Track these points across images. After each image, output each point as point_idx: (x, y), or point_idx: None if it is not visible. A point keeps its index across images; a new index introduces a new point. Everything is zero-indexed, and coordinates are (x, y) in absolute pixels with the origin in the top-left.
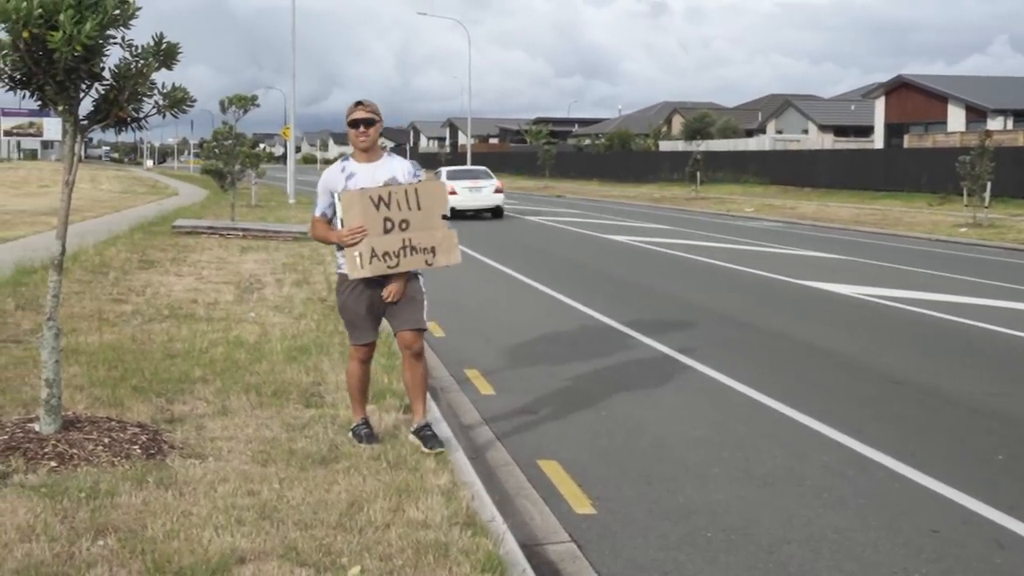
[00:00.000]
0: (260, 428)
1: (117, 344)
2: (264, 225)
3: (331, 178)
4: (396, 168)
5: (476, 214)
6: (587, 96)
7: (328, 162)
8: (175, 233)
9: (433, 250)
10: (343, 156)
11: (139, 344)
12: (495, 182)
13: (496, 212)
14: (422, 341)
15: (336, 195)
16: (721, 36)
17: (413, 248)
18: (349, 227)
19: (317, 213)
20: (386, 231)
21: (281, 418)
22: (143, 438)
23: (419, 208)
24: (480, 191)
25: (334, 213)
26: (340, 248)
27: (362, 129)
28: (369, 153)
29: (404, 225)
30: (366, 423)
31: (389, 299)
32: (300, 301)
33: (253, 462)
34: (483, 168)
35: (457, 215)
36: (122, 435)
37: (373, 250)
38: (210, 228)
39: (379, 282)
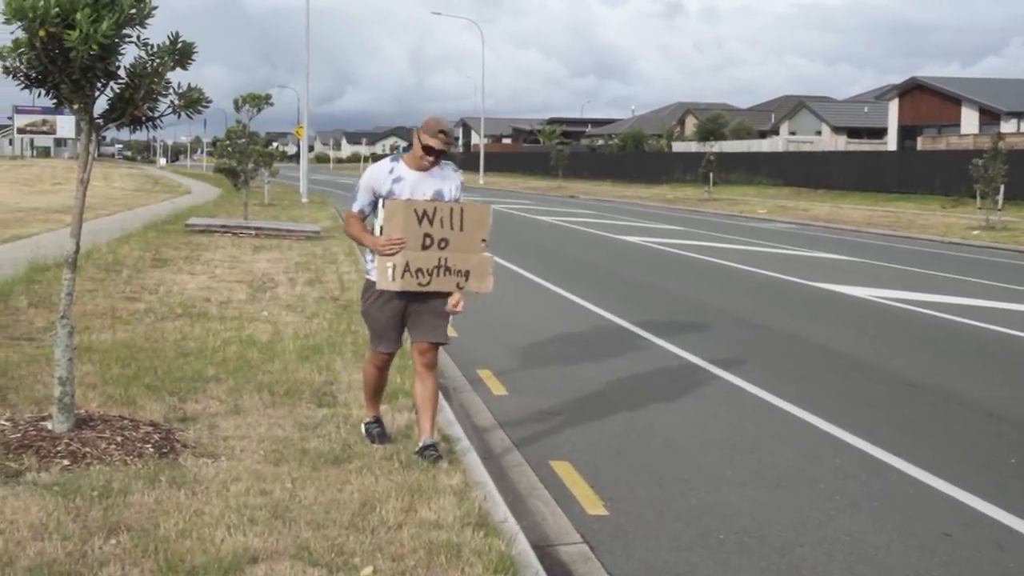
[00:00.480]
0: (273, 427)
1: (130, 342)
2: (277, 224)
3: (376, 177)
4: (446, 181)
5: None
6: (600, 96)
7: (341, 162)
8: (188, 231)
9: (467, 274)
10: (393, 155)
11: (152, 342)
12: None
13: None
14: (437, 354)
15: (381, 200)
16: (735, 37)
17: (448, 269)
18: (388, 237)
19: (355, 208)
20: (424, 247)
21: (294, 417)
22: (156, 437)
23: (462, 229)
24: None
25: (372, 211)
26: (372, 253)
27: (432, 159)
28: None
29: (443, 244)
30: (378, 422)
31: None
32: (313, 300)
33: (265, 461)
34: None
35: None
36: (135, 434)
37: (408, 264)
38: (223, 227)
39: (409, 293)
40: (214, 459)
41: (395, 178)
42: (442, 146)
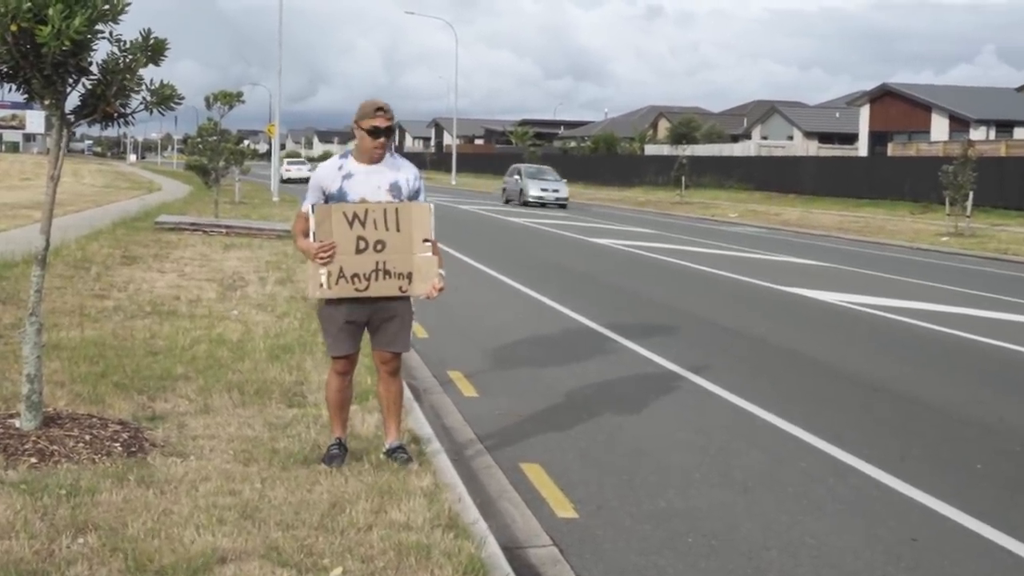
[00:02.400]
0: (242, 427)
1: (99, 340)
2: (248, 222)
3: (326, 175)
4: (401, 172)
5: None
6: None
7: (313, 160)
8: (158, 229)
9: (409, 276)
10: (343, 152)
11: (121, 340)
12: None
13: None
14: (400, 361)
15: (311, 206)
16: (709, 41)
17: (387, 272)
18: (320, 242)
19: (303, 207)
20: (359, 251)
21: (263, 417)
22: (124, 435)
23: (398, 230)
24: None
25: None
26: None
27: (382, 140)
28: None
29: (379, 246)
30: (340, 444)
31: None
32: (283, 299)
33: (235, 461)
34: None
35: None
36: (103, 432)
37: (342, 270)
38: (193, 225)
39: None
40: (183, 458)
41: (345, 174)
42: (387, 123)
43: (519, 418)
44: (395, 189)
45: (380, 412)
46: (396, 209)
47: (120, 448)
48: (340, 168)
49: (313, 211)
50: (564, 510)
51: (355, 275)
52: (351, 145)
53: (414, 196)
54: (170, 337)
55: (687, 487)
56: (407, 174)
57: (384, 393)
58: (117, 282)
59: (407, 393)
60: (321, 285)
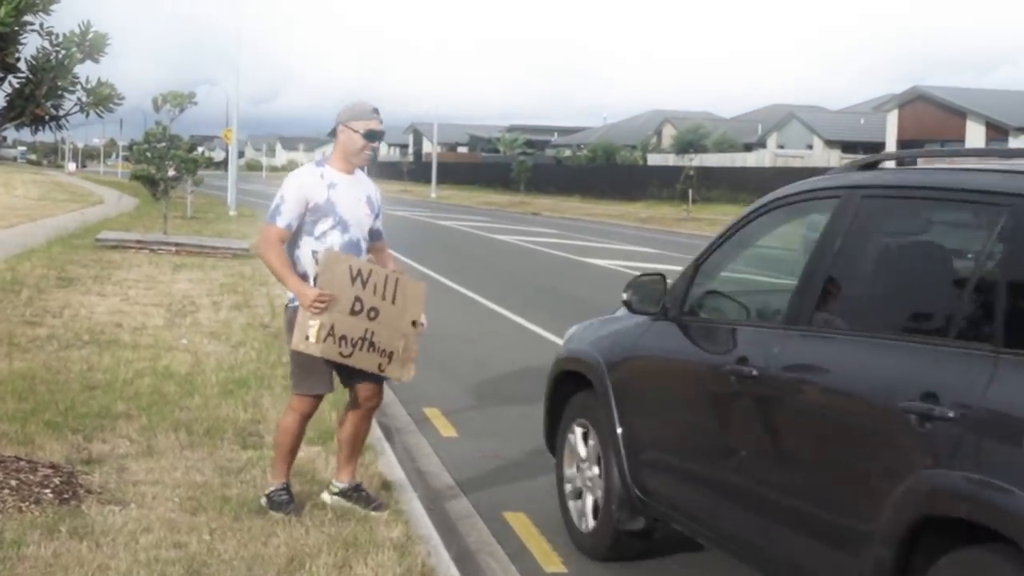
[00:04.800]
0: (190, 471)
1: (29, 373)
2: (200, 240)
3: (310, 184)
4: (369, 186)
5: None
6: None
7: (275, 170)
8: (99, 247)
9: (390, 356)
10: (318, 160)
11: (54, 373)
12: None
13: None
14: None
15: (314, 252)
16: (721, 38)
17: (372, 344)
18: (320, 291)
19: (280, 223)
20: (353, 312)
21: (214, 460)
22: (56, 481)
23: (393, 302)
24: None
25: (303, 233)
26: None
27: (375, 145)
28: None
29: (373, 313)
30: (286, 489)
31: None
32: (239, 327)
33: (181, 510)
34: None
35: None
36: (32, 477)
37: (333, 327)
38: (139, 242)
39: None
40: (122, 507)
41: (328, 183)
42: (380, 126)
43: (502, 461)
44: (370, 204)
45: (336, 454)
46: (397, 280)
47: (51, 495)
48: (323, 176)
49: (317, 255)
50: (552, 564)
51: (343, 337)
52: (325, 151)
53: (378, 216)
54: (110, 369)
55: (685, 543)
56: (374, 189)
57: (356, 432)
58: (51, 307)
59: (376, 433)
60: (307, 337)
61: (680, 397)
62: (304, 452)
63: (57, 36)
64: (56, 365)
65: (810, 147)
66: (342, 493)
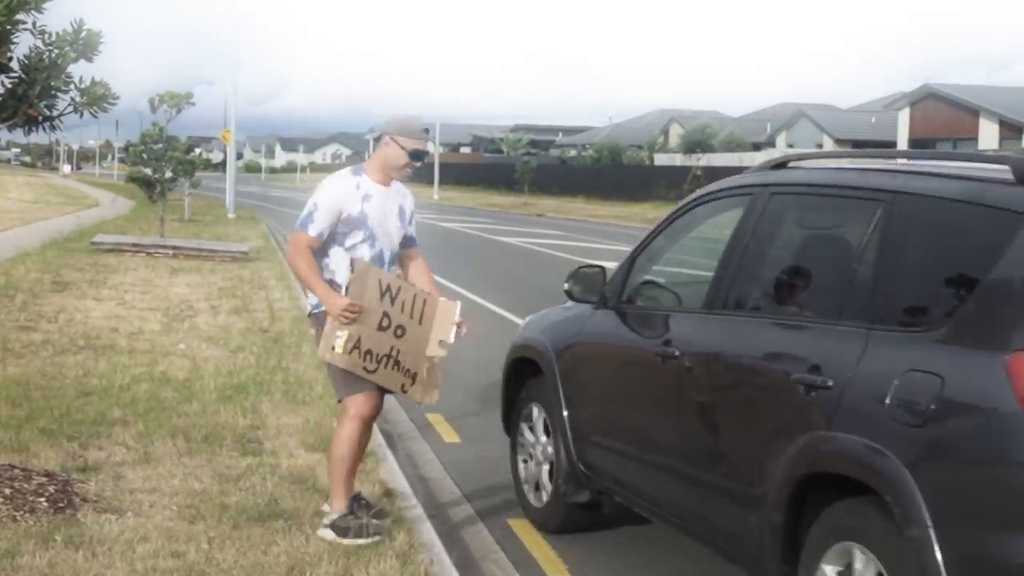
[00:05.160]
0: (188, 479)
1: (23, 379)
2: (198, 243)
3: (345, 193)
4: (404, 198)
5: None
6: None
7: (274, 171)
8: (95, 250)
9: (414, 377)
10: (354, 167)
11: (49, 379)
12: None
13: None
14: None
15: (351, 259)
16: (727, 36)
17: (397, 363)
18: (350, 301)
19: (312, 232)
20: (381, 327)
21: (213, 467)
22: (51, 489)
23: (420, 322)
24: None
25: (333, 242)
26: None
27: (418, 164)
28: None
29: (400, 332)
30: (353, 512)
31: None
32: (238, 332)
33: (179, 518)
34: None
35: None
36: (26, 485)
37: (359, 340)
38: (135, 245)
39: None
40: (119, 515)
41: (364, 195)
42: (427, 147)
43: (506, 466)
44: (401, 215)
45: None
46: (425, 300)
47: (46, 503)
48: (358, 187)
49: (353, 264)
50: (557, 572)
51: (368, 352)
52: (367, 159)
53: (411, 223)
54: (106, 375)
55: (680, 542)
56: (408, 200)
57: (363, 444)
58: (46, 312)
59: (378, 439)
60: (334, 348)
61: (616, 379)
62: (304, 459)
63: (50, 35)
64: (51, 371)
65: (820, 146)
66: (371, 513)
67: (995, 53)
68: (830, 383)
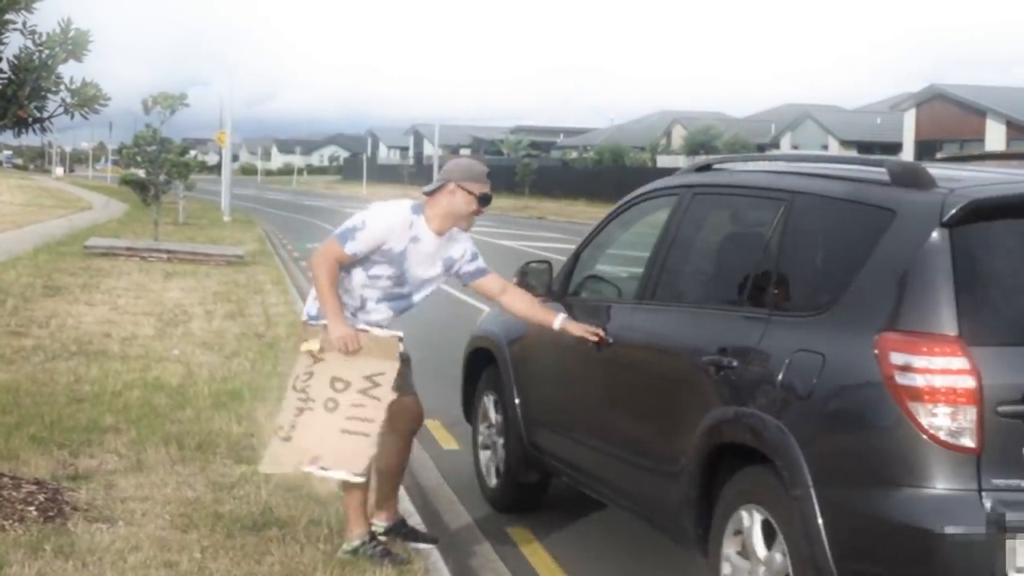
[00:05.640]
0: (181, 487)
1: (13, 385)
2: (193, 246)
3: (396, 227)
4: (457, 247)
5: None
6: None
7: (271, 174)
8: (87, 254)
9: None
10: (415, 205)
11: (40, 385)
12: None
13: None
14: None
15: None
16: (731, 36)
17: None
18: (354, 335)
19: (349, 250)
20: (333, 388)
21: (206, 475)
22: (41, 497)
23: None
24: None
25: (359, 260)
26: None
27: (484, 210)
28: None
29: (331, 404)
30: (374, 536)
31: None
32: (233, 337)
33: (171, 527)
34: None
35: None
36: (15, 494)
37: (313, 375)
38: (129, 249)
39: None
40: (110, 524)
41: (413, 236)
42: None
43: None
44: (447, 263)
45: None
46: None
47: (35, 512)
48: (411, 226)
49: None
50: None
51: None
52: (429, 204)
53: (474, 259)
54: (98, 381)
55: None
56: (465, 246)
57: (400, 462)
58: (37, 317)
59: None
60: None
61: (561, 367)
62: None
63: (40, 35)
64: (42, 377)
65: (825, 147)
66: (387, 532)
67: (1004, 54)
68: (735, 363)
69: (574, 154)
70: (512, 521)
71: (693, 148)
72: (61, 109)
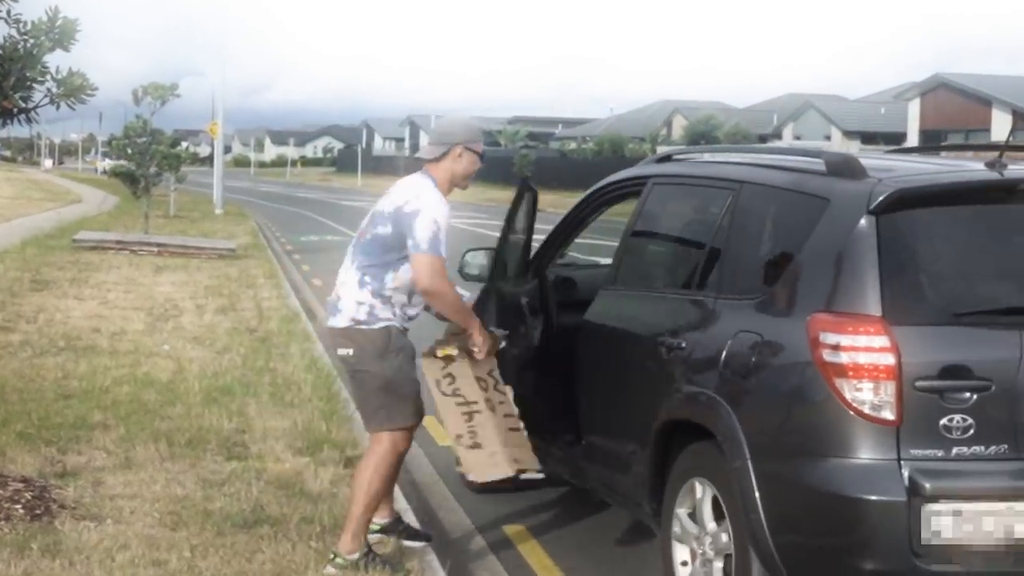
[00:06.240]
0: (170, 484)
1: (0, 381)
2: (184, 240)
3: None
4: None
5: None
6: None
7: (264, 166)
8: (76, 248)
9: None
10: (426, 180)
11: (27, 382)
12: None
13: None
14: None
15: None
16: (732, 24)
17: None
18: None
19: (444, 254)
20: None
21: (196, 472)
22: (27, 495)
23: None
24: None
25: (394, 251)
26: (396, 304)
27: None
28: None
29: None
30: (370, 549)
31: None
32: (224, 332)
33: (160, 525)
34: None
35: None
36: (2, 492)
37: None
38: (119, 242)
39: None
40: (98, 522)
41: None
42: None
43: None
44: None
45: (340, 465)
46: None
47: (22, 510)
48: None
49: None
50: None
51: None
52: (427, 173)
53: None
54: (87, 377)
55: None
56: None
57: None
58: (25, 312)
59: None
60: (436, 354)
61: (532, 352)
62: (291, 463)
63: (25, 24)
64: (29, 373)
65: (828, 138)
66: (383, 530)
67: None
68: (683, 344)
69: (573, 145)
70: (509, 519)
71: (694, 138)
72: (47, 99)
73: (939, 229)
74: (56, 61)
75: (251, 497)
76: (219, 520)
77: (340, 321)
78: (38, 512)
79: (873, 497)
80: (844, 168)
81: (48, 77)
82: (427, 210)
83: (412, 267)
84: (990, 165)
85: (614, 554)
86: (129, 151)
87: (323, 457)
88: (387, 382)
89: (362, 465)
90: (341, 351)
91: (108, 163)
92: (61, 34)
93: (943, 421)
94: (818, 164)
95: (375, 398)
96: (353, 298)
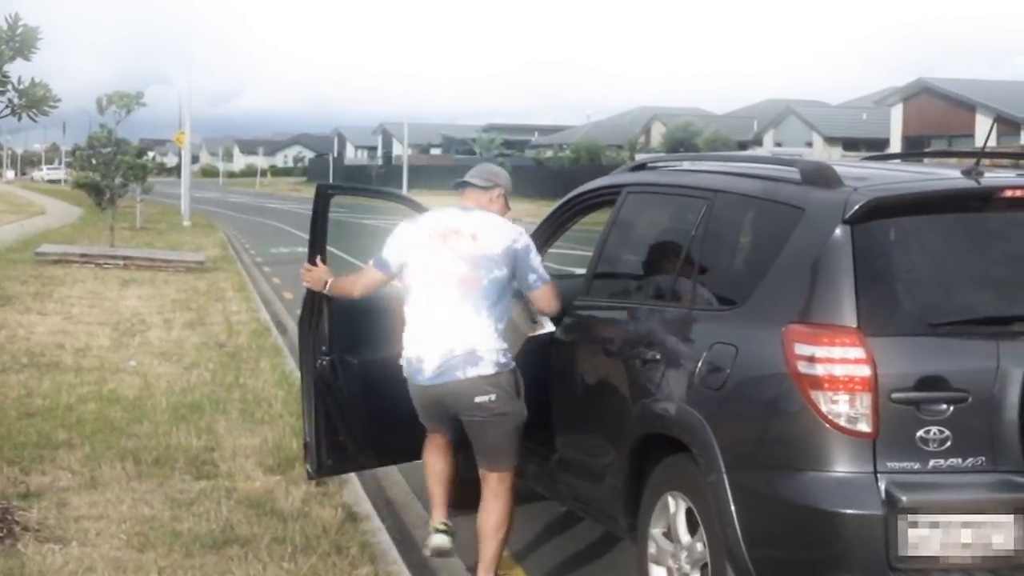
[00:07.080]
0: (137, 504)
1: None
2: (151, 252)
3: None
4: None
5: None
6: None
7: (233, 176)
8: (39, 261)
9: None
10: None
11: None
12: None
13: None
14: (506, 481)
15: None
16: (711, 30)
17: None
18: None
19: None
20: None
21: (164, 492)
22: None
23: None
24: None
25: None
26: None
27: None
28: None
29: None
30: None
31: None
32: (192, 347)
33: (127, 547)
34: None
35: None
36: None
37: None
38: (83, 256)
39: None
40: (62, 545)
41: None
42: None
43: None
44: None
45: (312, 484)
46: None
47: None
48: None
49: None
50: None
51: None
52: (492, 208)
53: None
54: (50, 395)
55: None
56: None
57: (483, 519)
58: None
59: None
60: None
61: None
62: (261, 482)
63: None
64: None
65: (810, 144)
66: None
67: (993, 48)
68: (658, 356)
69: (549, 153)
70: None
71: (673, 145)
72: (8, 110)
73: (915, 238)
74: (17, 71)
75: (220, 517)
76: (188, 541)
77: (487, 369)
78: (0, 535)
79: (850, 511)
80: (818, 177)
81: (9, 87)
82: (529, 241)
83: (542, 297)
84: (966, 173)
85: (592, 568)
86: (93, 162)
87: (294, 475)
88: (523, 420)
89: (495, 506)
90: (480, 399)
91: (46, 173)
92: (22, 43)
93: (920, 433)
94: (793, 173)
95: (513, 437)
96: (492, 345)
